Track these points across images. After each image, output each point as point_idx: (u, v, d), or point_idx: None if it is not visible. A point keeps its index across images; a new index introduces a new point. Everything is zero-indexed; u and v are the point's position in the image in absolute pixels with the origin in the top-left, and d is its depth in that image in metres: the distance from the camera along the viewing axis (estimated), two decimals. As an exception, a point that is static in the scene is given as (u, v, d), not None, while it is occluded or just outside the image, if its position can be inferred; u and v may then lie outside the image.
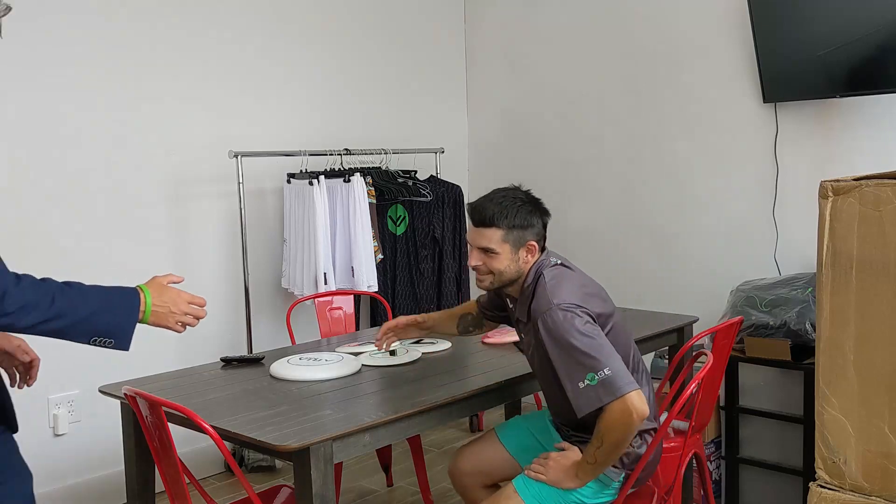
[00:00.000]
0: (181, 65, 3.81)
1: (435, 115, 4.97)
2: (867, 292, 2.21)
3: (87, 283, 1.82)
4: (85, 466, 3.54)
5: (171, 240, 3.80)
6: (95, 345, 1.71)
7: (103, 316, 1.68)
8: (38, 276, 1.69)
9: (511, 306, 2.43)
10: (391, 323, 2.70)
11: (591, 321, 2.17)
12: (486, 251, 2.29)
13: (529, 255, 2.30)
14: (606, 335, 2.18)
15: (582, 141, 4.59)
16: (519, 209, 2.31)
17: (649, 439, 2.32)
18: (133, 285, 1.82)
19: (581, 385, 2.09)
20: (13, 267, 3.39)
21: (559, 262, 2.34)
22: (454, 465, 2.59)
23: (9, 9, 1.75)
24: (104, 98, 3.56)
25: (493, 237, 2.28)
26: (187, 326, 1.86)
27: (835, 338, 2.28)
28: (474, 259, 2.32)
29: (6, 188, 3.30)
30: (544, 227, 2.35)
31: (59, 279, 1.80)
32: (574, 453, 2.26)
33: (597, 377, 2.07)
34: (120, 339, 1.70)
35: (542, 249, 2.36)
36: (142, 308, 1.77)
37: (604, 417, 2.10)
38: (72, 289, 1.69)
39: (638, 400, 2.07)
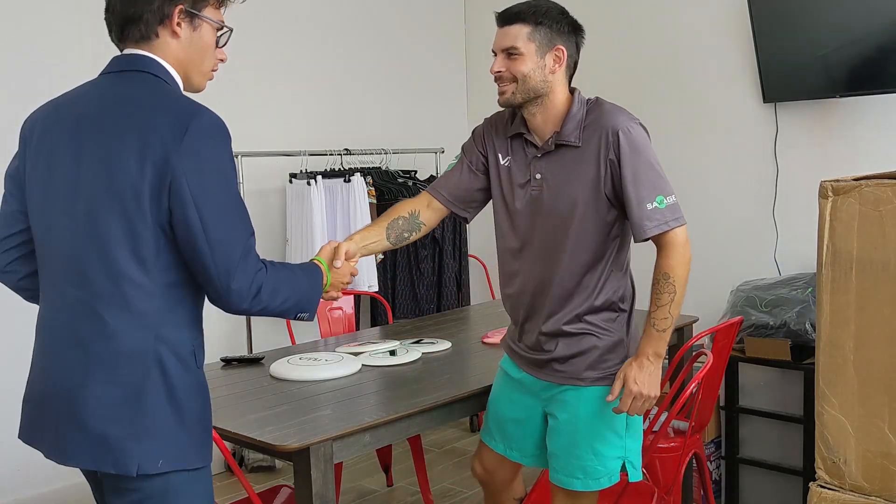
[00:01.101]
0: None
1: (435, 115, 4.97)
2: (867, 292, 2.21)
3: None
4: (85, 466, 3.53)
5: (171, 240, 3.80)
6: (295, 319, 1.82)
7: (310, 296, 1.82)
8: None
9: (529, 137, 2.24)
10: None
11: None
12: (510, 54, 2.12)
13: (557, 65, 2.08)
14: None
15: (582, 141, 4.59)
16: (550, 9, 2.09)
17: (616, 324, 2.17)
18: (312, 261, 1.98)
19: (649, 206, 2.03)
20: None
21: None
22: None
23: None
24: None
25: (518, 34, 2.10)
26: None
27: (835, 338, 2.28)
28: (497, 65, 2.15)
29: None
30: (577, 48, 2.13)
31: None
32: (635, 361, 2.04)
33: (665, 201, 2.05)
34: (312, 313, 1.82)
35: (573, 72, 2.15)
36: (324, 283, 1.90)
37: (669, 252, 2.05)
38: (290, 272, 1.80)
39: (685, 234, 2.07)
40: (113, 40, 1.78)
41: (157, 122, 1.60)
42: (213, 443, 1.72)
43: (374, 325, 4.36)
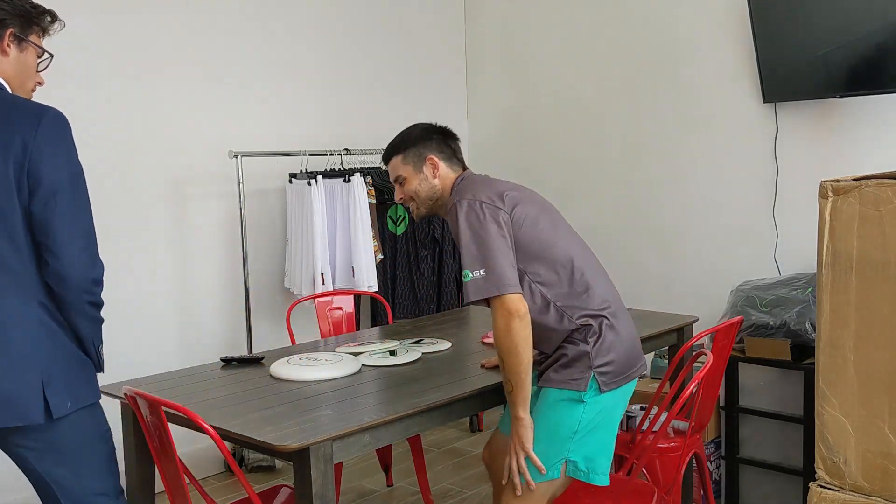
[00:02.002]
0: (181, 65, 3.81)
1: (435, 115, 4.97)
2: (867, 292, 2.21)
3: (105, 285, 2.40)
4: (85, 466, 3.53)
5: (171, 240, 3.80)
6: (99, 351, 2.24)
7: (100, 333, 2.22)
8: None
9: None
10: None
11: (492, 216, 2.21)
12: (398, 181, 2.43)
13: (435, 170, 2.38)
14: (523, 231, 2.25)
15: (582, 141, 4.59)
16: (408, 133, 2.42)
17: (594, 332, 2.26)
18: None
19: (464, 280, 2.18)
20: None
21: (484, 174, 2.44)
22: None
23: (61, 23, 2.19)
24: (104, 98, 3.56)
25: (396, 165, 2.42)
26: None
27: (835, 338, 2.28)
28: (396, 194, 2.45)
29: (6, 188, 3.30)
30: (447, 145, 2.41)
31: None
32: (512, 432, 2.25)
33: (471, 275, 2.15)
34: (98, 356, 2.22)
35: (462, 167, 2.43)
36: None
37: (492, 320, 2.18)
38: None
39: (512, 302, 2.13)
40: None
41: (13, 118, 1.90)
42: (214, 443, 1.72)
43: (374, 325, 4.36)
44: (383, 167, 4.34)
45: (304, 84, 4.30)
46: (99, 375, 3.45)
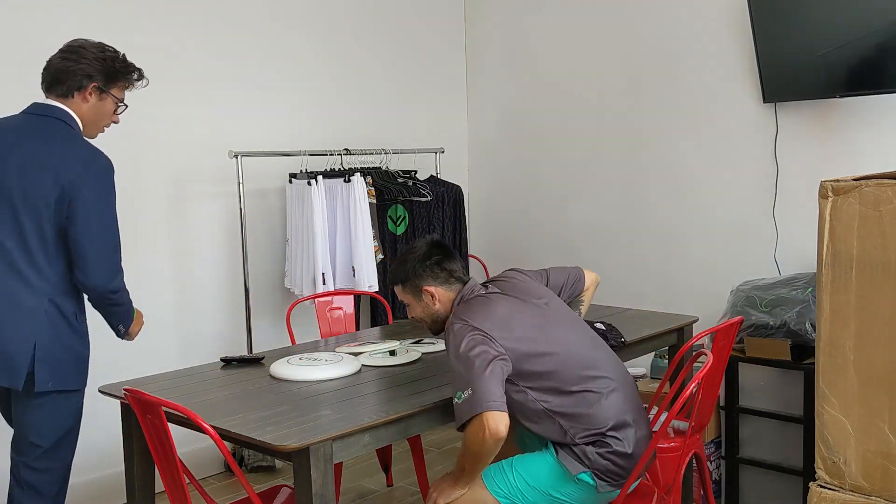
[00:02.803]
0: (181, 65, 3.81)
1: (435, 115, 4.97)
2: (867, 292, 2.21)
3: None
4: (85, 466, 3.53)
5: (171, 240, 3.80)
6: (118, 329, 2.59)
7: (125, 315, 2.57)
8: None
9: None
10: None
11: (479, 339, 2.26)
12: (408, 308, 2.60)
13: (434, 299, 2.51)
14: (517, 352, 2.29)
15: (582, 140, 4.59)
16: (402, 264, 2.55)
17: (616, 440, 2.34)
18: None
19: (455, 401, 2.22)
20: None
21: (483, 292, 2.48)
22: None
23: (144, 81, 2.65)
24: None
25: (399, 293, 2.59)
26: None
27: (835, 338, 2.28)
28: (411, 316, 2.63)
29: (6, 188, 3.30)
30: (442, 268, 2.51)
31: None
32: (451, 472, 2.39)
33: (462, 395, 2.19)
34: (124, 332, 2.62)
35: (461, 282, 2.53)
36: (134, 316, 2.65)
37: (466, 429, 2.20)
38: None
39: (492, 420, 2.14)
40: (42, 87, 2.49)
41: (69, 156, 2.41)
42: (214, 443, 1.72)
43: (374, 325, 4.36)
44: (383, 168, 4.35)
45: (305, 84, 4.30)
46: (98, 375, 3.47)
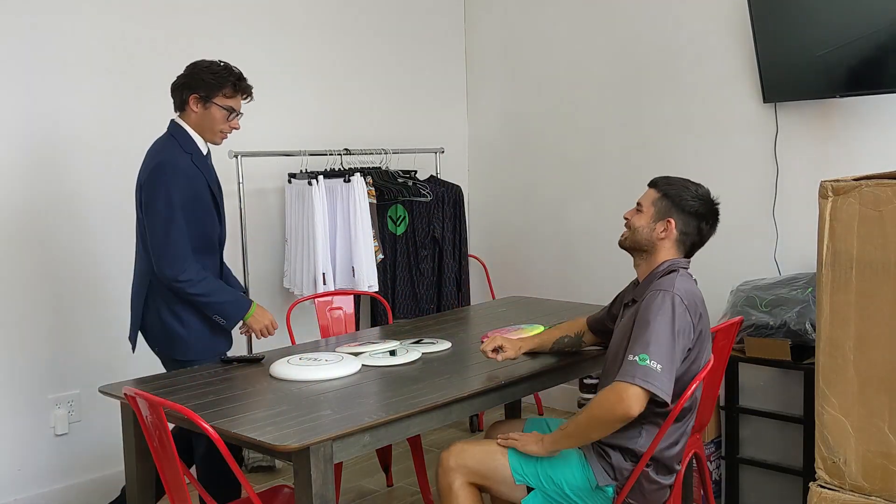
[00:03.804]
0: (182, 65, 3.80)
1: (435, 115, 4.97)
2: (867, 292, 2.21)
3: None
4: (85, 466, 3.54)
5: (171, 240, 3.79)
6: (214, 319, 2.82)
7: (229, 307, 2.85)
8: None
9: (630, 288, 2.58)
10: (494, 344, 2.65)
11: (688, 326, 2.22)
12: (638, 207, 2.46)
13: (665, 232, 2.38)
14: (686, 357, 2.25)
15: (582, 141, 4.59)
16: (683, 187, 2.40)
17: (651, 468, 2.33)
18: (249, 299, 2.97)
19: (631, 357, 2.16)
20: (14, 264, 3.41)
21: (693, 277, 2.43)
22: (454, 458, 2.45)
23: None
24: (104, 98, 3.56)
25: (648, 195, 2.45)
26: (263, 336, 2.98)
27: (835, 338, 2.28)
28: (628, 212, 2.51)
29: (6, 189, 3.30)
30: (697, 229, 2.39)
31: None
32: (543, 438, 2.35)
33: (647, 361, 2.12)
34: (230, 323, 2.87)
35: (687, 253, 2.43)
36: (248, 312, 2.90)
37: (603, 390, 2.17)
38: (218, 283, 2.86)
39: (635, 395, 2.11)
40: None
41: (147, 160, 2.81)
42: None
43: (374, 325, 4.36)
44: (383, 168, 4.35)
45: (305, 84, 4.30)
46: (98, 375, 3.48)
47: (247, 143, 4.02)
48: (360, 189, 3.97)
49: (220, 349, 2.89)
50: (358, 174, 4.01)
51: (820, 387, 2.32)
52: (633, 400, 2.11)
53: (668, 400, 2.14)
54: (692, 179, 2.46)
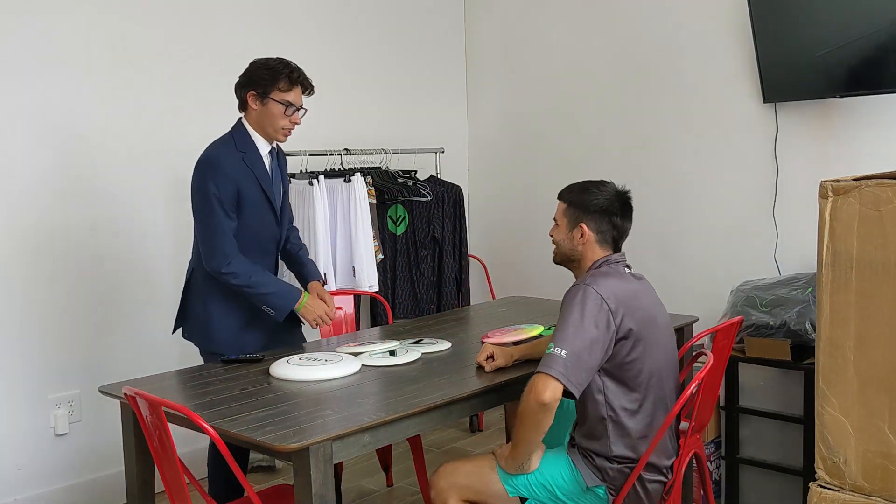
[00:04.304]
0: (181, 65, 3.81)
1: (435, 115, 4.97)
2: (867, 292, 2.21)
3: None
4: (85, 466, 3.54)
5: (171, 240, 3.80)
6: (264, 310, 2.81)
7: (275, 298, 2.80)
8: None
9: None
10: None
11: (602, 315, 2.22)
12: (555, 223, 2.50)
13: (581, 239, 2.41)
14: (619, 349, 2.26)
15: (582, 141, 4.59)
16: (584, 191, 2.45)
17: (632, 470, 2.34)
18: (300, 289, 2.91)
19: (547, 350, 2.20)
20: (16, 262, 3.41)
21: (629, 270, 2.43)
22: (444, 479, 2.45)
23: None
24: (104, 98, 3.56)
25: (558, 209, 2.49)
26: (319, 325, 2.92)
27: (835, 338, 2.28)
28: (550, 230, 2.54)
29: (8, 187, 3.30)
30: (613, 225, 2.42)
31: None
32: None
33: (552, 349, 2.17)
34: (279, 314, 2.82)
35: (614, 248, 2.45)
36: (299, 303, 2.84)
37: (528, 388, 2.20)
38: (265, 275, 2.82)
39: (543, 384, 2.12)
40: None
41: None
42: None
43: (374, 325, 4.36)
44: (383, 168, 4.35)
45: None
46: (98, 375, 3.48)
47: (247, 143, 4.02)
48: (360, 189, 3.97)
49: (248, 344, 2.88)
50: (358, 174, 4.01)
51: (820, 387, 2.32)
52: (539, 387, 2.13)
53: (565, 382, 2.13)
54: (598, 179, 2.52)
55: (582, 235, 2.42)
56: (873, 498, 2.24)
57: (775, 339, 3.22)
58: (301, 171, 4.02)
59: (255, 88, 2.79)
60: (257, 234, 2.86)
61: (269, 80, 2.78)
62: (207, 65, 3.89)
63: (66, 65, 3.45)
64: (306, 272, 3.12)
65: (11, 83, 3.30)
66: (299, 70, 2.82)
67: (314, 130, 4.34)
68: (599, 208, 2.41)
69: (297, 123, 2.84)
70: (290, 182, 4.02)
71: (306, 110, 2.86)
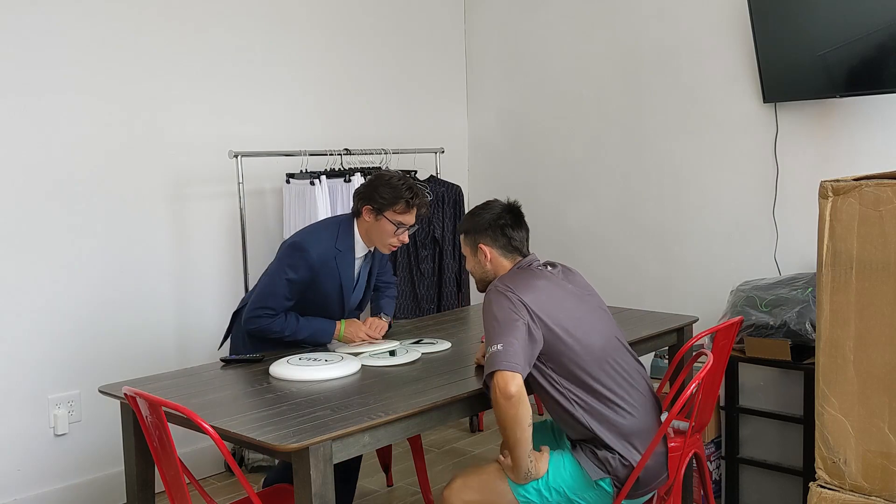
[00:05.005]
0: (182, 65, 3.81)
1: (435, 115, 4.97)
2: (867, 292, 2.21)
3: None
4: (85, 466, 3.54)
5: (171, 240, 3.80)
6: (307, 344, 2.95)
7: (311, 339, 2.93)
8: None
9: None
10: None
11: (516, 304, 2.30)
12: (465, 256, 2.63)
13: (487, 259, 2.53)
14: (548, 333, 2.31)
15: (582, 141, 4.59)
16: (471, 217, 2.58)
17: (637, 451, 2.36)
18: (332, 321, 2.99)
19: (486, 356, 2.26)
20: (13, 266, 3.41)
21: (540, 264, 2.53)
22: (456, 496, 2.43)
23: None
24: (104, 98, 3.56)
25: (462, 243, 2.63)
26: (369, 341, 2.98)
27: (835, 338, 2.28)
28: (466, 264, 2.66)
29: (7, 188, 3.30)
30: (504, 234, 2.54)
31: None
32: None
33: (490, 348, 2.23)
34: (321, 344, 2.97)
35: (521, 255, 2.56)
36: (336, 333, 2.96)
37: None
38: (299, 323, 2.90)
39: (501, 380, 2.17)
40: None
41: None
42: (214, 443, 1.72)
43: (374, 325, 4.36)
44: (383, 168, 4.35)
45: (305, 84, 4.30)
46: (98, 375, 3.48)
47: (247, 143, 4.03)
48: (360, 189, 3.96)
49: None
50: (358, 174, 4.01)
51: (820, 387, 2.32)
52: (500, 384, 2.18)
53: (515, 368, 2.19)
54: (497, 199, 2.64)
55: (486, 255, 2.53)
56: (873, 498, 2.24)
57: (775, 339, 3.22)
58: (301, 171, 4.03)
59: (372, 204, 2.86)
60: (321, 309, 2.98)
61: (388, 200, 2.84)
62: (208, 64, 3.89)
63: (66, 63, 3.45)
64: (375, 305, 3.29)
65: (11, 84, 3.30)
66: (421, 195, 2.90)
67: (314, 130, 4.35)
68: (489, 224, 2.53)
69: (404, 242, 2.93)
70: (289, 182, 4.05)
71: (417, 227, 3.01)
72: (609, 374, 2.37)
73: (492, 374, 2.20)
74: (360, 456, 2.96)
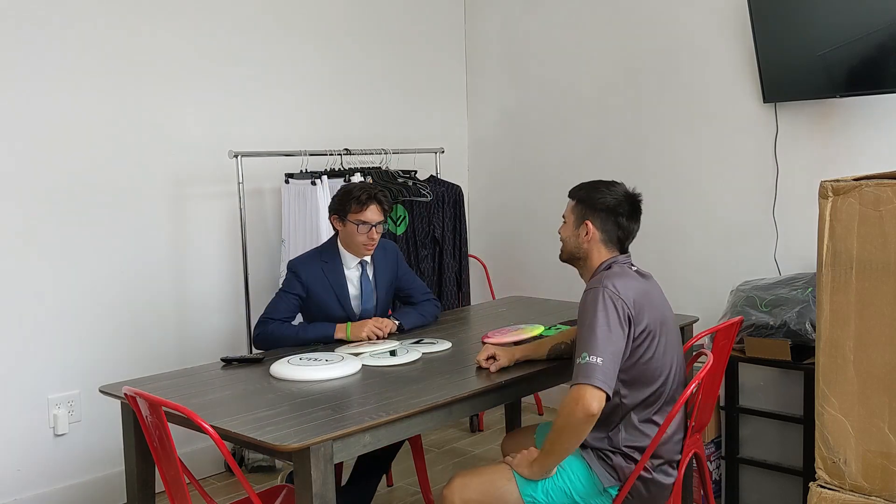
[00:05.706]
0: (181, 65, 3.81)
1: (435, 115, 4.97)
2: (867, 292, 2.21)
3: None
4: (85, 466, 3.54)
5: (171, 239, 3.80)
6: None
7: (313, 337, 3.05)
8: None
9: None
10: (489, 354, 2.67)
11: (624, 316, 2.25)
12: (563, 220, 2.54)
13: (587, 237, 2.44)
14: (637, 347, 2.28)
15: (582, 140, 4.59)
16: (593, 189, 2.47)
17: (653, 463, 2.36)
18: (333, 325, 3.07)
19: (577, 360, 2.21)
20: (14, 266, 3.41)
21: (635, 268, 2.45)
22: (457, 494, 2.40)
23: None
24: (105, 98, 3.56)
25: (567, 206, 2.53)
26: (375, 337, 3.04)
27: (835, 338, 2.29)
28: (559, 228, 2.58)
29: (6, 187, 3.30)
30: (615, 224, 2.44)
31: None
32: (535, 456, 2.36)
33: (587, 358, 2.18)
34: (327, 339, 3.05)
35: (620, 249, 2.48)
36: (343, 333, 3.03)
37: (565, 397, 2.20)
38: (300, 326, 3.11)
39: (590, 396, 2.14)
40: None
41: None
42: (214, 443, 1.72)
43: (374, 325, 4.36)
44: (383, 168, 4.35)
45: (305, 84, 4.30)
46: (98, 375, 3.48)
47: (247, 143, 4.03)
48: (360, 189, 3.96)
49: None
50: (358, 174, 4.01)
51: (820, 387, 2.32)
52: (586, 399, 2.14)
53: (607, 390, 2.16)
54: (610, 179, 2.54)
55: (587, 233, 2.45)
56: (873, 498, 2.24)
57: (775, 339, 3.22)
58: (301, 170, 4.03)
59: (336, 213, 3.12)
60: (327, 319, 3.11)
61: (344, 204, 3.08)
62: (208, 64, 3.89)
63: (66, 64, 3.45)
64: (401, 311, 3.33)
65: (12, 84, 3.30)
66: (369, 190, 3.08)
67: (314, 130, 4.35)
68: (606, 207, 2.43)
69: (373, 239, 3.10)
70: (288, 182, 4.05)
71: (384, 222, 3.16)
72: (666, 391, 2.37)
73: (581, 385, 2.15)
74: (396, 449, 3.17)
